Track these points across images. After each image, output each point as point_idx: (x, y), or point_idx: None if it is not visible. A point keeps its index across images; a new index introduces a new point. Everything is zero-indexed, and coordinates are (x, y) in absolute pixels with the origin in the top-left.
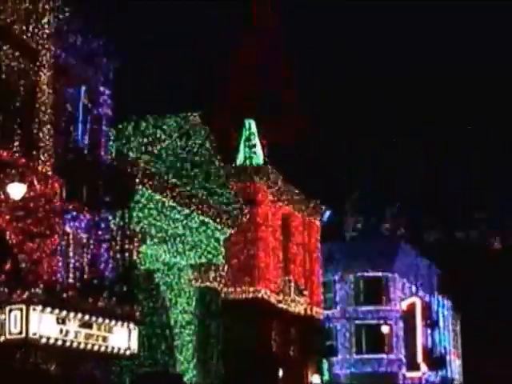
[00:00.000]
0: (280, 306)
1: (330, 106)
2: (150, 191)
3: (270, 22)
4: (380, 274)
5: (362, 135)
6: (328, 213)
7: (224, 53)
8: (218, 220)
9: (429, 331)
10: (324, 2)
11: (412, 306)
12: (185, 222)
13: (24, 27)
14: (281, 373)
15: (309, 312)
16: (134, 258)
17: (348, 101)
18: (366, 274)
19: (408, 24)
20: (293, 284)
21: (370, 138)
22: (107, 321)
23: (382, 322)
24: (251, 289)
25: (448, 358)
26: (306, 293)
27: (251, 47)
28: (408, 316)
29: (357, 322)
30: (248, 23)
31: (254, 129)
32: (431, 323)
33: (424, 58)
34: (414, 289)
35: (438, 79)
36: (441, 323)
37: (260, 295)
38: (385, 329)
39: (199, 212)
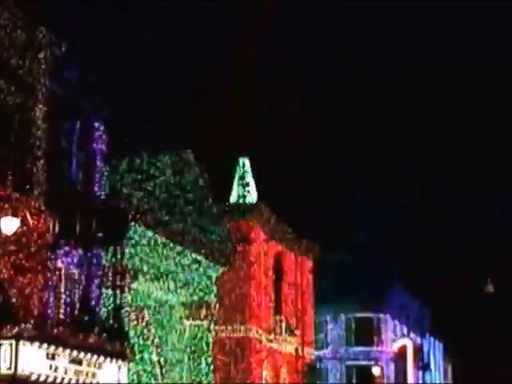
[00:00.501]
0: (271, 345)
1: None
2: (142, 228)
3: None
4: (371, 314)
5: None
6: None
7: (219, 83)
8: (210, 258)
9: (420, 373)
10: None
11: (403, 349)
12: (177, 259)
13: (20, 62)
14: None
15: (300, 352)
16: (126, 294)
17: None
18: (357, 314)
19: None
20: (284, 323)
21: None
22: (97, 357)
23: (373, 363)
24: (242, 327)
25: None
26: (297, 332)
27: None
28: (399, 358)
29: (348, 362)
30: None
31: (247, 167)
32: (422, 366)
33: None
34: (405, 330)
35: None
36: (432, 365)
37: (251, 334)
38: (376, 370)
39: (192, 249)
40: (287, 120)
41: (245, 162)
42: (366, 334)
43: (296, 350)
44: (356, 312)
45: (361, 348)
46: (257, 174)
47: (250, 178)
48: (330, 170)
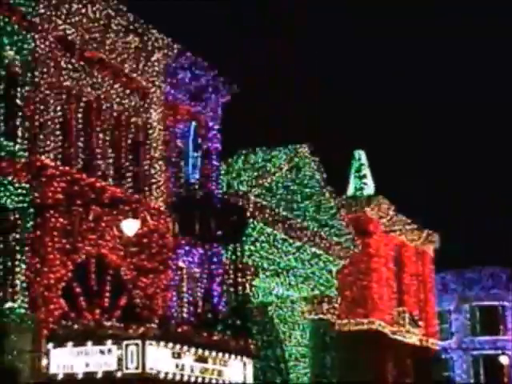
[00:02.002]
0: (395, 337)
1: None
2: (261, 224)
3: None
4: (496, 302)
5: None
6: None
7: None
8: (329, 252)
9: None
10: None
11: None
12: (297, 254)
13: (134, 65)
14: None
15: (424, 343)
16: (247, 291)
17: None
18: (481, 303)
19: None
20: (407, 315)
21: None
22: (222, 355)
23: (500, 352)
24: (365, 320)
25: None
26: (420, 323)
27: None
28: None
29: (474, 352)
30: None
31: (364, 159)
32: None
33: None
34: None
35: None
36: None
37: (374, 327)
38: (504, 359)
39: (311, 244)
40: (401, 110)
41: (361, 155)
42: (491, 322)
43: (420, 341)
44: (480, 301)
45: (487, 337)
46: (374, 165)
47: (366, 170)
48: (449, 159)
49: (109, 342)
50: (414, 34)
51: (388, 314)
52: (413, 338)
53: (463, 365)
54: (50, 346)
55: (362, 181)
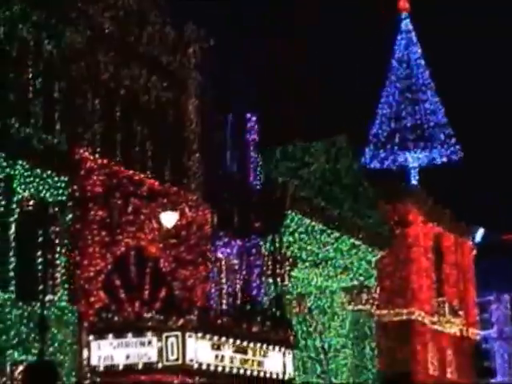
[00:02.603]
0: (435, 327)
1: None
2: (299, 215)
3: None
4: None
5: None
6: (481, 232)
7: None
8: (368, 242)
9: None
10: None
11: None
12: (335, 244)
13: (170, 58)
14: None
15: (464, 333)
16: (286, 282)
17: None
18: None
19: None
20: (447, 305)
21: None
22: (261, 346)
23: None
24: (405, 311)
25: None
26: (460, 313)
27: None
28: None
29: None
30: None
31: None
32: None
33: None
34: None
35: None
36: None
37: (414, 317)
38: None
39: (349, 234)
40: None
41: None
42: None
43: (460, 331)
44: None
45: None
46: None
47: None
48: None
49: (149, 333)
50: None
51: (428, 303)
52: (453, 327)
53: (504, 355)
54: (91, 338)
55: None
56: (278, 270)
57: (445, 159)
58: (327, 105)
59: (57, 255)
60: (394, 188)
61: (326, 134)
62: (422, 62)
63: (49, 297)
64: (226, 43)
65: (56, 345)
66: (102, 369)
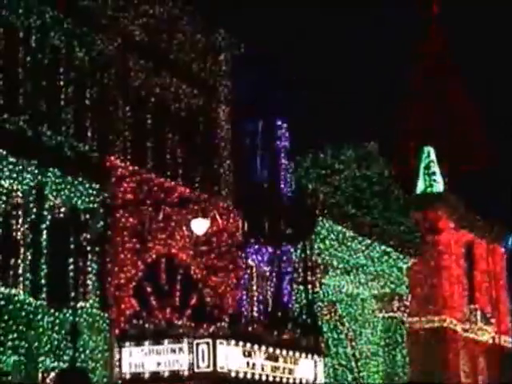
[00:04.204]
0: (466, 334)
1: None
2: (330, 222)
3: (439, 47)
4: None
5: None
6: None
7: (396, 78)
8: (399, 249)
9: None
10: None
11: None
12: (366, 252)
13: (201, 65)
14: None
15: (497, 341)
16: (317, 289)
17: None
18: None
19: None
20: (479, 312)
21: None
22: (293, 353)
23: None
24: (436, 318)
25: None
26: (493, 321)
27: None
28: None
29: None
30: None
31: (433, 156)
32: None
33: None
34: None
35: None
36: None
37: (446, 324)
38: None
39: (380, 242)
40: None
41: (430, 151)
42: None
43: (493, 338)
44: None
45: None
46: (444, 162)
47: (435, 167)
48: None
49: (180, 340)
50: None
51: (459, 311)
52: (485, 335)
53: None
54: (122, 345)
55: (432, 178)
56: (309, 277)
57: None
58: (357, 110)
59: (88, 262)
60: (425, 195)
61: (357, 140)
62: None
63: (80, 304)
64: (256, 49)
65: (87, 352)
66: (132, 376)
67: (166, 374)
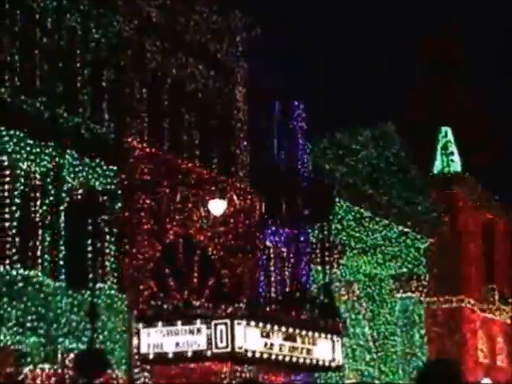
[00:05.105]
0: (484, 314)
1: None
2: (347, 203)
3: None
4: None
5: None
6: None
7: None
8: (417, 229)
9: None
10: None
11: None
12: (384, 232)
13: (217, 46)
14: (488, 382)
15: None
16: (335, 269)
17: None
18: None
19: None
20: (497, 292)
21: None
22: (311, 333)
23: None
24: (454, 298)
25: None
26: (511, 301)
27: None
28: None
29: None
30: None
31: (450, 136)
32: None
33: None
34: None
35: None
36: None
37: (464, 304)
38: None
39: (398, 222)
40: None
41: (447, 131)
42: None
43: (511, 318)
44: None
45: None
46: (461, 142)
47: (452, 147)
48: None
49: (198, 321)
50: None
51: (477, 291)
52: (503, 315)
53: None
54: (140, 326)
55: (449, 158)
56: (326, 258)
57: None
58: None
59: (106, 244)
60: (443, 175)
61: (374, 121)
62: None
63: (99, 285)
64: (274, 31)
65: (106, 333)
66: (151, 356)
67: (185, 355)
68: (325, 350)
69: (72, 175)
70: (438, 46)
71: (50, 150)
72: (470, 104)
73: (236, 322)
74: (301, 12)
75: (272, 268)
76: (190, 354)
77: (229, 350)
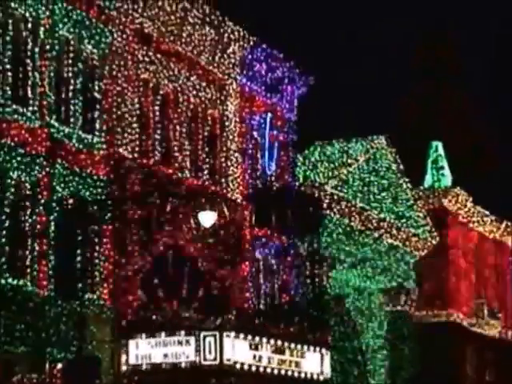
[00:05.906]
0: (473, 329)
1: None
2: (337, 216)
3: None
4: None
5: None
6: None
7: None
8: (407, 243)
9: None
10: None
11: None
12: (374, 246)
13: (210, 57)
14: None
15: (504, 335)
16: (324, 283)
17: None
18: None
19: None
20: (486, 307)
21: None
22: (299, 346)
23: None
24: (443, 312)
25: None
26: (499, 316)
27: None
28: None
29: None
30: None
31: (441, 151)
32: None
33: None
34: None
35: None
36: None
37: (452, 319)
38: None
39: (388, 236)
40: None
41: (437, 146)
42: None
43: (500, 333)
44: None
45: None
46: (451, 157)
47: (443, 162)
48: None
49: (187, 332)
50: None
51: (466, 305)
52: (492, 330)
53: None
54: (129, 336)
55: (440, 172)
56: (316, 271)
57: None
58: (365, 105)
59: (96, 254)
60: (434, 190)
61: (365, 134)
62: None
63: (88, 295)
64: (266, 42)
65: (94, 343)
66: (139, 367)
67: (173, 367)
68: (313, 363)
69: (62, 185)
70: (430, 54)
71: (41, 159)
72: (463, 115)
73: (225, 334)
74: (292, 20)
75: (261, 280)
76: (178, 366)
77: (217, 362)
